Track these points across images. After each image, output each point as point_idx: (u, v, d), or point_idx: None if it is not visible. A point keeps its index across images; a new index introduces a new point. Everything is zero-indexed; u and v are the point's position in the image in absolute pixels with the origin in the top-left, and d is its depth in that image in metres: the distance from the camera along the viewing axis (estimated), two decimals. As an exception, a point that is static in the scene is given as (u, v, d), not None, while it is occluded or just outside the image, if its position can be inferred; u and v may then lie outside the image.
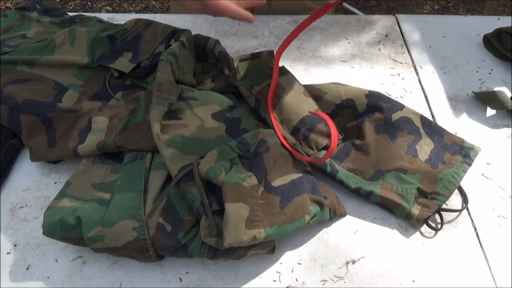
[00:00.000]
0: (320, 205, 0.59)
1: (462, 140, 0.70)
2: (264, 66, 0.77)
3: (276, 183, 0.58)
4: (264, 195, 0.56)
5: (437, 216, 0.64)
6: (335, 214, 0.62)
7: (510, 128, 0.77)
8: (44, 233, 0.56)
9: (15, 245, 0.60)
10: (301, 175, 0.61)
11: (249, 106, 0.74)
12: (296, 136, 0.68)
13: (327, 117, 0.65)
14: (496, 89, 0.83)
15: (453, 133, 0.72)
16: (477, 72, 0.88)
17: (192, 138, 0.64)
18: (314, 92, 0.74)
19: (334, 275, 0.58)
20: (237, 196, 0.54)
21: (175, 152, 0.61)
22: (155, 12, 2.46)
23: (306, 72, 0.86)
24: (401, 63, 0.90)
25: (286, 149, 0.65)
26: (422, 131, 0.70)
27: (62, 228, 0.55)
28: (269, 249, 0.57)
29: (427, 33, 0.97)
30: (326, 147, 0.69)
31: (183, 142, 0.63)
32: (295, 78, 0.74)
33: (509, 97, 0.79)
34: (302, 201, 0.57)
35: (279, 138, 0.66)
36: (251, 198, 0.55)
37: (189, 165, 0.59)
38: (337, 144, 0.70)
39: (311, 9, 1.04)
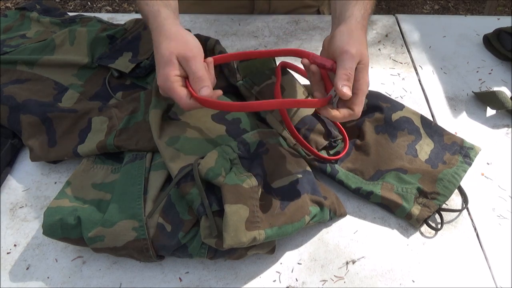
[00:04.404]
0: (320, 205, 0.59)
1: (462, 140, 0.69)
2: (264, 66, 0.76)
3: (276, 184, 0.58)
4: (264, 196, 0.56)
5: (437, 216, 0.64)
6: (335, 214, 0.62)
7: (510, 128, 0.77)
8: (44, 233, 0.56)
9: (15, 245, 0.60)
10: (300, 176, 0.60)
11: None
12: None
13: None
14: (496, 89, 0.83)
15: (453, 133, 0.72)
16: (477, 72, 0.88)
17: (192, 138, 0.64)
18: (314, 92, 0.74)
19: (334, 275, 0.58)
20: (236, 197, 0.54)
21: (175, 152, 0.61)
22: (155, 12, 2.45)
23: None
24: (401, 63, 0.90)
25: (291, 148, 0.66)
26: (422, 131, 0.70)
27: (62, 228, 0.55)
28: (269, 249, 0.57)
29: (427, 33, 0.97)
30: (326, 147, 0.69)
31: (183, 142, 0.63)
32: (295, 78, 0.74)
33: (509, 97, 0.79)
34: (302, 202, 0.57)
35: (298, 140, 0.66)
36: (251, 200, 0.54)
37: (189, 165, 0.59)
38: (337, 145, 0.70)
39: (310, 7, 1.04)
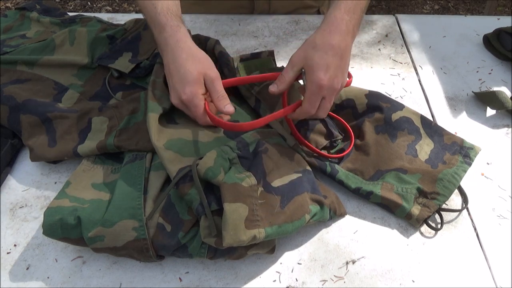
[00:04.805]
0: (320, 204, 0.59)
1: (462, 140, 0.69)
2: (264, 66, 0.77)
3: (276, 183, 0.58)
4: (263, 195, 0.56)
5: (437, 216, 0.64)
6: (335, 214, 0.62)
7: (510, 128, 0.77)
8: (44, 233, 0.56)
9: (15, 245, 0.60)
10: (300, 175, 0.60)
11: (249, 106, 0.74)
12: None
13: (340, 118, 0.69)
14: (496, 89, 0.83)
15: (453, 133, 0.72)
16: (477, 72, 0.88)
17: (190, 141, 0.64)
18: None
19: (334, 275, 0.58)
20: (235, 196, 0.54)
21: (174, 154, 0.61)
22: (155, 12, 2.45)
23: (306, 72, 0.86)
24: (401, 63, 0.90)
25: (291, 148, 0.66)
26: (422, 131, 0.70)
27: (62, 228, 0.55)
28: (269, 249, 0.57)
29: (427, 33, 0.97)
30: (326, 147, 0.69)
31: (181, 145, 0.63)
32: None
33: (509, 97, 0.79)
34: (302, 201, 0.57)
35: (302, 142, 0.67)
36: (250, 198, 0.54)
37: (188, 166, 0.59)
38: (337, 145, 0.70)
39: (311, 7, 1.04)
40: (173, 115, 0.68)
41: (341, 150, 0.70)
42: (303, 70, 0.63)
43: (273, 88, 0.63)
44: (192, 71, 0.63)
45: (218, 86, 0.63)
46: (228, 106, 0.63)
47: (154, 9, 0.68)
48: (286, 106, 0.65)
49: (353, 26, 0.64)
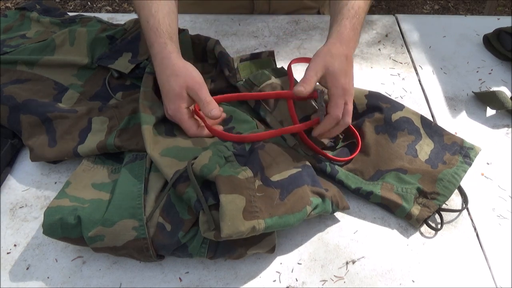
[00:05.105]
0: (322, 196, 0.59)
1: (462, 140, 0.69)
2: (264, 66, 0.77)
3: (275, 178, 0.58)
4: (262, 189, 0.56)
5: (437, 216, 0.64)
6: (338, 207, 0.61)
7: (510, 128, 0.77)
8: (44, 232, 0.56)
9: (15, 245, 0.60)
10: (300, 169, 0.60)
11: (249, 107, 0.74)
12: (296, 136, 0.68)
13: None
14: (496, 89, 0.83)
15: (453, 133, 0.72)
16: (477, 72, 0.88)
17: (187, 148, 0.64)
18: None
19: (334, 275, 0.58)
20: (231, 187, 0.54)
21: (170, 160, 0.61)
22: (155, 12, 2.44)
23: (306, 72, 0.86)
24: (401, 63, 0.90)
25: (291, 148, 0.66)
26: (422, 131, 0.70)
27: (62, 228, 0.55)
28: (269, 248, 0.57)
29: (427, 33, 0.97)
30: (326, 147, 0.69)
31: (178, 152, 0.63)
32: (295, 79, 0.74)
33: (509, 97, 0.79)
34: (303, 193, 0.57)
35: (305, 140, 0.67)
36: (247, 190, 0.54)
37: (184, 167, 0.59)
38: (337, 145, 0.70)
39: (311, 8, 1.04)
40: (172, 127, 0.68)
41: (342, 151, 0.69)
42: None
43: (301, 88, 0.63)
44: (174, 88, 0.65)
45: (202, 94, 0.65)
46: (213, 110, 0.64)
47: (147, 24, 0.70)
48: (305, 122, 0.66)
49: (355, 42, 0.70)
